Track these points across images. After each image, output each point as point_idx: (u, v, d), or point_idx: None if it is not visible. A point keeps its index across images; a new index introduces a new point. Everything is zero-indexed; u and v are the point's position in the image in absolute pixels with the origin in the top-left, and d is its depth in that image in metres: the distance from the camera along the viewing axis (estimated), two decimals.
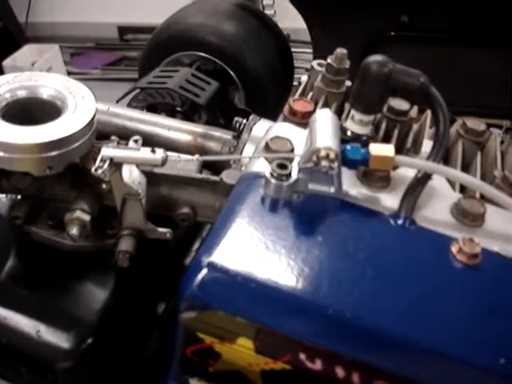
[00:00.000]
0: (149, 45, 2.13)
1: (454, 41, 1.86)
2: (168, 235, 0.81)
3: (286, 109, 0.82)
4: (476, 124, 0.85)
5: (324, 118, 0.71)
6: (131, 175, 0.79)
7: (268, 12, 3.43)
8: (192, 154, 0.91)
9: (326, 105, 0.87)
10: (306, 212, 0.68)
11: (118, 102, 1.93)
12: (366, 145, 0.71)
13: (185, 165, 0.85)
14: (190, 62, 2.03)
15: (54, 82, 0.81)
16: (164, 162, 0.71)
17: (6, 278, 0.80)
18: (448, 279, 0.65)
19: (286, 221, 0.67)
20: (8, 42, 3.60)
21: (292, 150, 0.73)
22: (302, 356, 0.60)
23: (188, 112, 1.93)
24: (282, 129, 0.79)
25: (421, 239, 0.68)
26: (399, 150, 0.83)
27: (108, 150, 0.72)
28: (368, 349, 0.59)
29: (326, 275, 0.61)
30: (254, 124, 0.89)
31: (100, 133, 0.95)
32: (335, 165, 0.66)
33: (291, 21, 2.39)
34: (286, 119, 0.82)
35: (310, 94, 0.90)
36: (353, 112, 0.77)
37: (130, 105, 1.95)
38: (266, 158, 0.72)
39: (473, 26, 1.80)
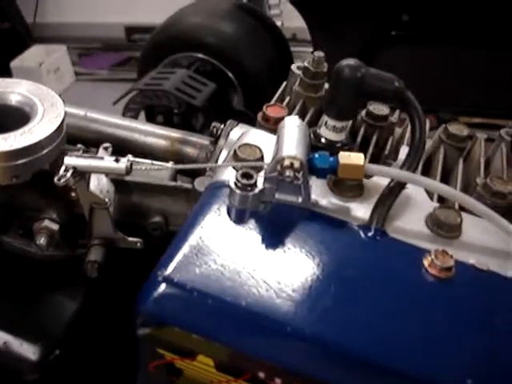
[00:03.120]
0: (147, 46, 2.12)
1: (455, 40, 1.83)
2: (139, 245, 0.79)
3: (259, 115, 0.80)
4: (459, 129, 0.82)
5: (291, 126, 0.68)
6: (99, 183, 0.77)
7: (274, 12, 3.40)
8: (168, 159, 0.89)
9: (303, 109, 0.85)
10: (272, 223, 0.66)
11: (115, 103, 1.92)
12: (339, 152, 0.69)
13: (158, 172, 0.83)
14: (187, 63, 2.02)
15: (24, 88, 0.80)
16: (128, 171, 0.70)
17: None
18: (418, 294, 0.62)
19: (249, 233, 0.64)
20: (16, 43, 3.61)
21: (261, 158, 0.71)
22: (262, 375, 0.58)
23: (185, 114, 1.92)
24: (254, 136, 0.76)
25: (392, 252, 0.65)
26: (378, 157, 0.81)
27: (71, 159, 0.70)
28: (329, 368, 0.57)
29: (288, 291, 0.59)
30: (232, 129, 0.87)
31: (77, 138, 0.94)
32: (300, 174, 0.63)
33: (297, 20, 2.36)
34: (259, 125, 0.80)
35: (288, 98, 0.87)
36: (326, 118, 0.74)
37: (127, 106, 1.95)
38: (235, 167, 0.70)
39: (474, 25, 1.76)
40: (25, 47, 3.62)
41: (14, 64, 3.54)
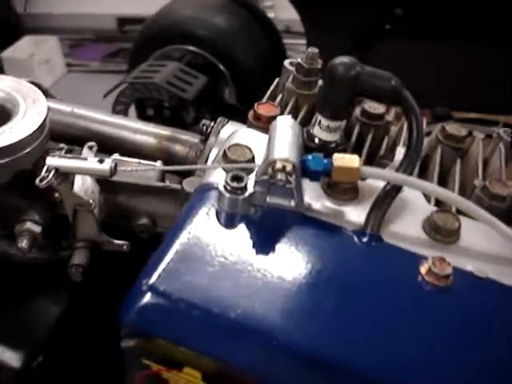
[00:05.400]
0: (138, 39, 2.09)
1: (449, 34, 1.80)
2: (125, 248, 0.76)
3: (250, 113, 0.77)
4: (456, 129, 0.79)
5: (284, 126, 0.65)
6: (84, 184, 0.74)
7: (266, 3, 3.36)
8: (157, 157, 0.87)
9: (296, 107, 0.82)
10: (263, 228, 0.63)
11: (105, 96, 1.89)
12: (333, 153, 0.66)
13: (145, 171, 0.80)
14: (179, 55, 1.99)
15: (5, 84, 0.77)
16: (113, 172, 0.66)
17: None
18: (414, 302, 0.59)
19: (240, 239, 0.61)
20: (6, 33, 3.56)
21: (252, 159, 0.68)
22: None
23: (176, 107, 1.89)
24: (244, 135, 0.73)
25: (387, 258, 0.63)
26: (373, 156, 0.78)
27: (53, 160, 0.67)
28: (322, 382, 0.54)
29: (279, 301, 0.56)
30: (222, 127, 0.84)
31: (64, 135, 0.91)
32: (292, 178, 0.61)
33: (290, 12, 2.33)
34: (250, 124, 0.77)
35: (280, 95, 0.84)
36: (319, 118, 0.72)
37: (117, 99, 1.92)
38: (225, 168, 0.67)
39: (468, 19, 1.74)
40: (16, 38, 3.57)
41: (5, 55, 3.49)
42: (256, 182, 0.63)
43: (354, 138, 0.78)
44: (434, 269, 0.60)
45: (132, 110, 1.94)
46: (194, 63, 2.00)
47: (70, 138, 0.91)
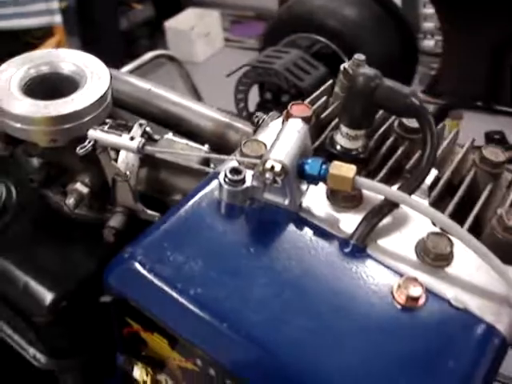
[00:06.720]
0: (271, 24, 2.15)
1: None
2: (157, 219, 0.83)
3: (284, 112, 0.80)
4: (493, 154, 0.76)
5: (292, 129, 0.68)
6: (127, 157, 0.83)
7: None
8: (212, 141, 0.94)
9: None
10: (252, 221, 0.67)
11: (228, 75, 1.99)
12: (355, 161, 0.68)
13: (191, 152, 0.88)
14: (307, 44, 2.03)
15: (79, 59, 0.87)
16: (140, 150, 0.74)
17: (14, 232, 0.89)
18: (374, 319, 0.60)
19: (226, 226, 0.66)
20: (172, 4, 3.81)
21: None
22: (199, 362, 0.61)
23: (294, 95, 1.94)
24: (272, 132, 0.77)
25: (365, 271, 0.64)
26: (399, 170, 0.78)
27: (94, 132, 0.76)
28: (260, 370, 0.58)
29: (238, 288, 0.61)
30: (272, 120, 0.88)
31: (139, 110, 1.01)
32: (279, 178, 0.64)
33: None
34: (283, 123, 0.80)
35: (325, 97, 0.86)
36: (340, 125, 0.73)
37: (240, 80, 2.01)
38: (238, 161, 0.72)
39: None
40: (180, 9, 3.81)
41: (168, 25, 3.75)
42: (253, 177, 0.67)
43: (384, 149, 0.78)
44: (404, 289, 0.60)
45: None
46: (321, 54, 2.03)
47: (145, 113, 1.01)
